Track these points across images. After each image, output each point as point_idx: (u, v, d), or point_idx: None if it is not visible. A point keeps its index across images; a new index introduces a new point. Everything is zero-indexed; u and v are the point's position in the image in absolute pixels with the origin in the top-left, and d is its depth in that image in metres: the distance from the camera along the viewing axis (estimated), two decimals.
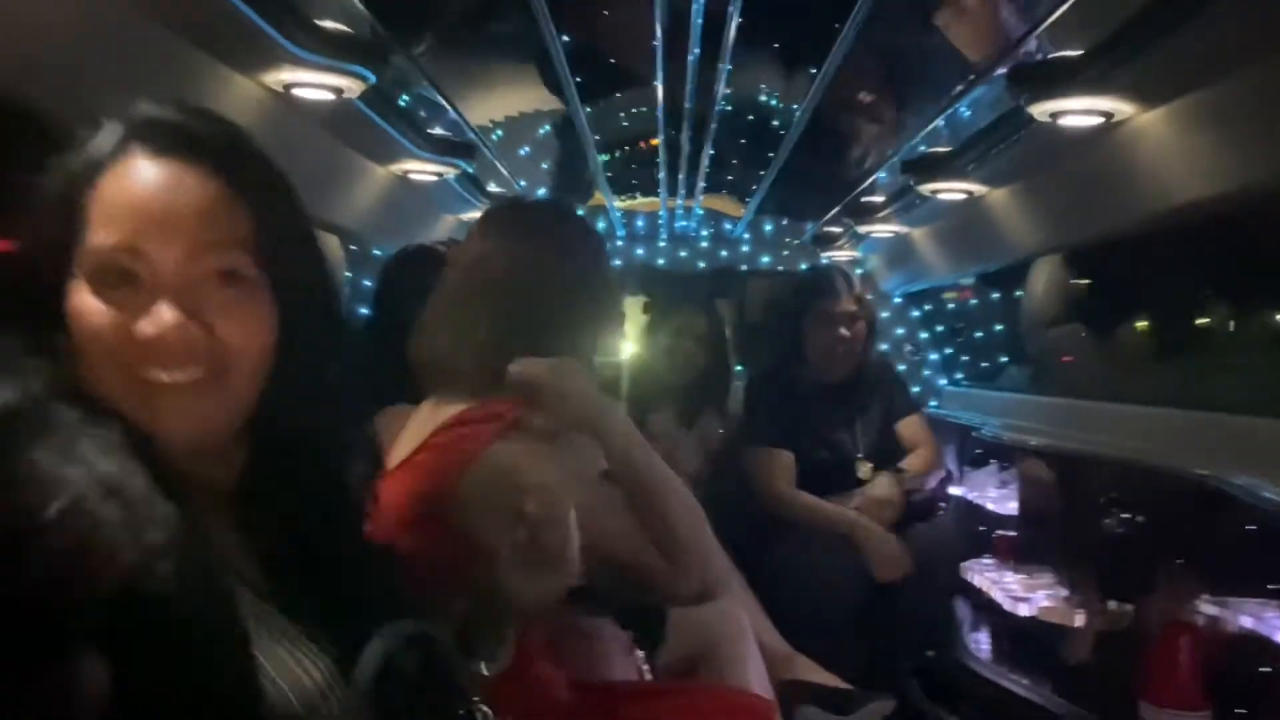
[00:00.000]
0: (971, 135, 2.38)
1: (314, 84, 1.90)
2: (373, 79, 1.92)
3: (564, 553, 1.23)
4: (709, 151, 2.86)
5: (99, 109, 1.64)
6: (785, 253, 4.38)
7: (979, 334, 4.28)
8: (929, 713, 2.86)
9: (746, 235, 4.39)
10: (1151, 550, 2.42)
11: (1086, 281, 3.23)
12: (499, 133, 2.95)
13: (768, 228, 4.39)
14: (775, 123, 2.88)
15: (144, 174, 0.90)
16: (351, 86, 1.93)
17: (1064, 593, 2.74)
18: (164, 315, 0.88)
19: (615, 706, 1.66)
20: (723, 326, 3.53)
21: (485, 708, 1.10)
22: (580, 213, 2.75)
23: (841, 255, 4.26)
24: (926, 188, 2.67)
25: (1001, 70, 1.87)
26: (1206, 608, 2.23)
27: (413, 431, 1.57)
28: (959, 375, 4.31)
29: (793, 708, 2.50)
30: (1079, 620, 2.59)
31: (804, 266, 4.33)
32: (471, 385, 1.57)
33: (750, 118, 2.67)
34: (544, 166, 3.92)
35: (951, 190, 2.66)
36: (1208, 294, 2.90)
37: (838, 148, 3.04)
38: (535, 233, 1.67)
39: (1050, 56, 1.77)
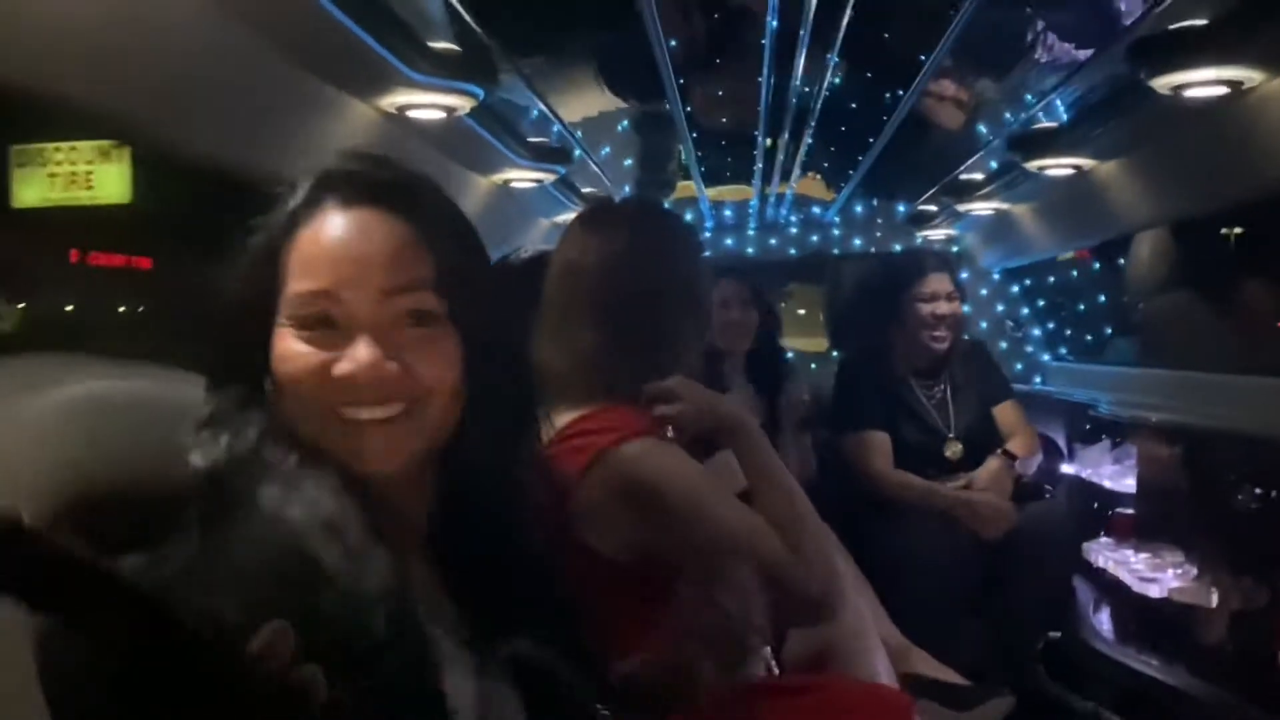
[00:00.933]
0: (1082, 110, 2.32)
1: (428, 104, 1.93)
2: (483, 96, 1.95)
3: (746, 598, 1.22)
4: (808, 140, 2.84)
5: (218, 138, 1.72)
6: (878, 234, 4.32)
7: (1082, 307, 4.18)
8: (1057, 696, 2.82)
9: (837, 219, 4.34)
10: None
11: (1238, 230, 3.01)
12: (578, 134, 2.98)
13: (859, 209, 4.33)
14: (872, 105, 2.85)
15: (336, 223, 0.96)
16: (462, 104, 1.96)
17: (1194, 572, 2.67)
18: (361, 354, 0.92)
19: (749, 704, 1.67)
20: (766, 298, 3.51)
21: (605, 710, 1.11)
22: (670, 209, 2.76)
23: (937, 234, 4.19)
24: (1034, 164, 2.62)
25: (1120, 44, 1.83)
26: None
27: None
28: (1063, 350, 4.22)
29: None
30: (1213, 600, 2.53)
31: (898, 248, 4.28)
32: (581, 394, 1.59)
33: (853, 104, 2.64)
34: (626, 164, 3.95)
35: (1060, 166, 2.60)
36: None
37: (937, 128, 3.00)
38: (629, 233, 1.67)
39: (1174, 27, 1.72)
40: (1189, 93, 1.83)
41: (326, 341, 0.93)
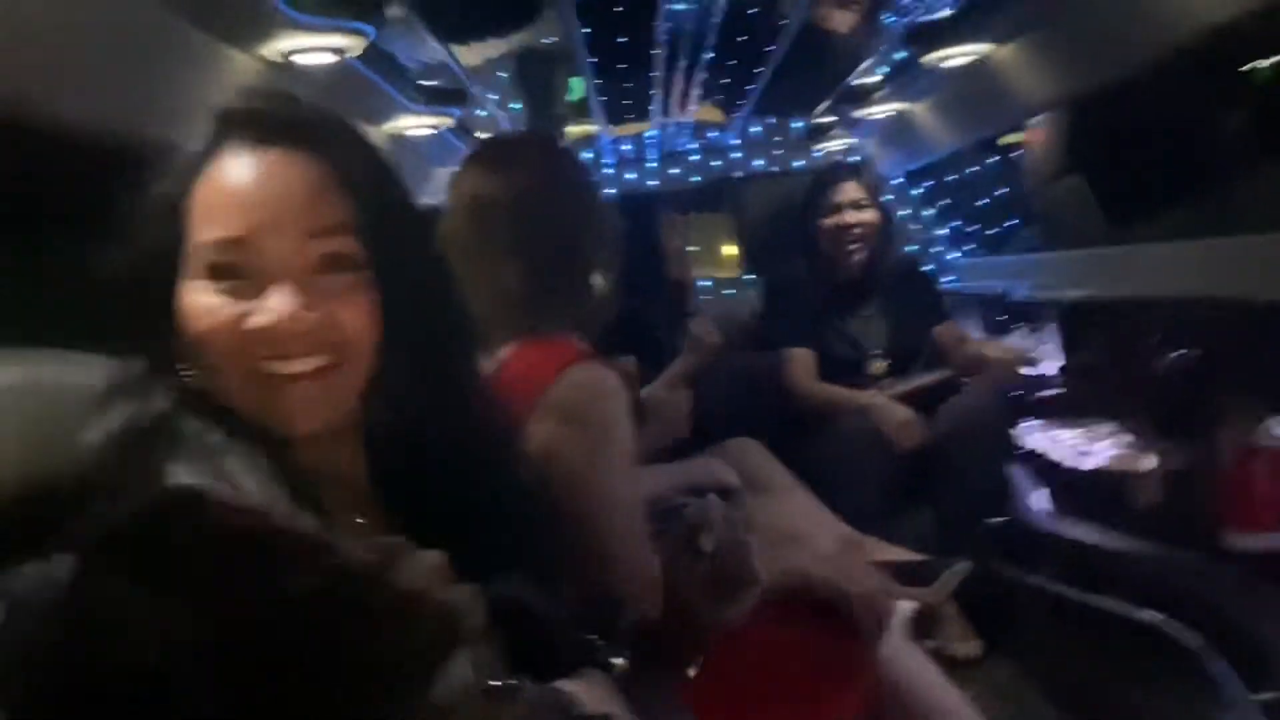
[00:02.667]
0: None
1: (315, 47, 1.82)
2: (373, 34, 1.85)
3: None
4: (708, 55, 2.79)
5: (89, 94, 1.58)
6: (777, 153, 4.31)
7: (984, 201, 4.24)
8: (1008, 576, 2.89)
9: (736, 141, 4.31)
10: (1211, 382, 2.43)
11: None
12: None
13: (757, 130, 4.30)
14: (763, 20, 2.80)
15: (243, 165, 0.89)
16: (352, 45, 1.86)
17: (1128, 438, 2.75)
18: (279, 304, 0.86)
19: (752, 646, 1.63)
20: None
21: (608, 650, 1.08)
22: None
23: (836, 145, 4.20)
24: (932, 57, 2.61)
25: None
26: (1278, 427, 2.24)
27: None
28: (970, 246, 4.28)
29: None
30: (1148, 464, 2.60)
31: (798, 164, 4.27)
32: (503, 334, 1.54)
33: (744, 20, 2.60)
34: (513, 108, 3.86)
35: (958, 55, 2.59)
36: (1218, 116, 2.84)
37: (828, 34, 2.97)
38: (539, 167, 1.64)
39: None
40: None
41: (241, 292, 0.87)
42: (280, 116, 0.91)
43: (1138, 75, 2.48)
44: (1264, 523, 2.21)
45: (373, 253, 0.91)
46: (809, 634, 1.73)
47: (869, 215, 3.27)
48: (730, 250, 4.51)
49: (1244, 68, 2.52)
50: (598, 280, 1.61)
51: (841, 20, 2.83)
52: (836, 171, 3.35)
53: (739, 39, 2.77)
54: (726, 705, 1.47)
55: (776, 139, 4.31)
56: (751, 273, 4.28)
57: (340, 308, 0.89)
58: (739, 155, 4.33)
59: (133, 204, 0.92)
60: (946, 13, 2.48)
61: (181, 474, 0.83)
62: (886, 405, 3.11)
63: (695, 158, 4.34)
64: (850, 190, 3.27)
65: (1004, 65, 2.67)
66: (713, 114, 4.23)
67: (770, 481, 2.83)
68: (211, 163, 0.90)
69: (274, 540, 0.70)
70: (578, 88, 3.95)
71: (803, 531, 2.41)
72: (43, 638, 0.72)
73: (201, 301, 0.87)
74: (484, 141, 2.62)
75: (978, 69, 2.71)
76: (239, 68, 1.84)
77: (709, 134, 4.32)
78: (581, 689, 0.96)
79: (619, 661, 1.04)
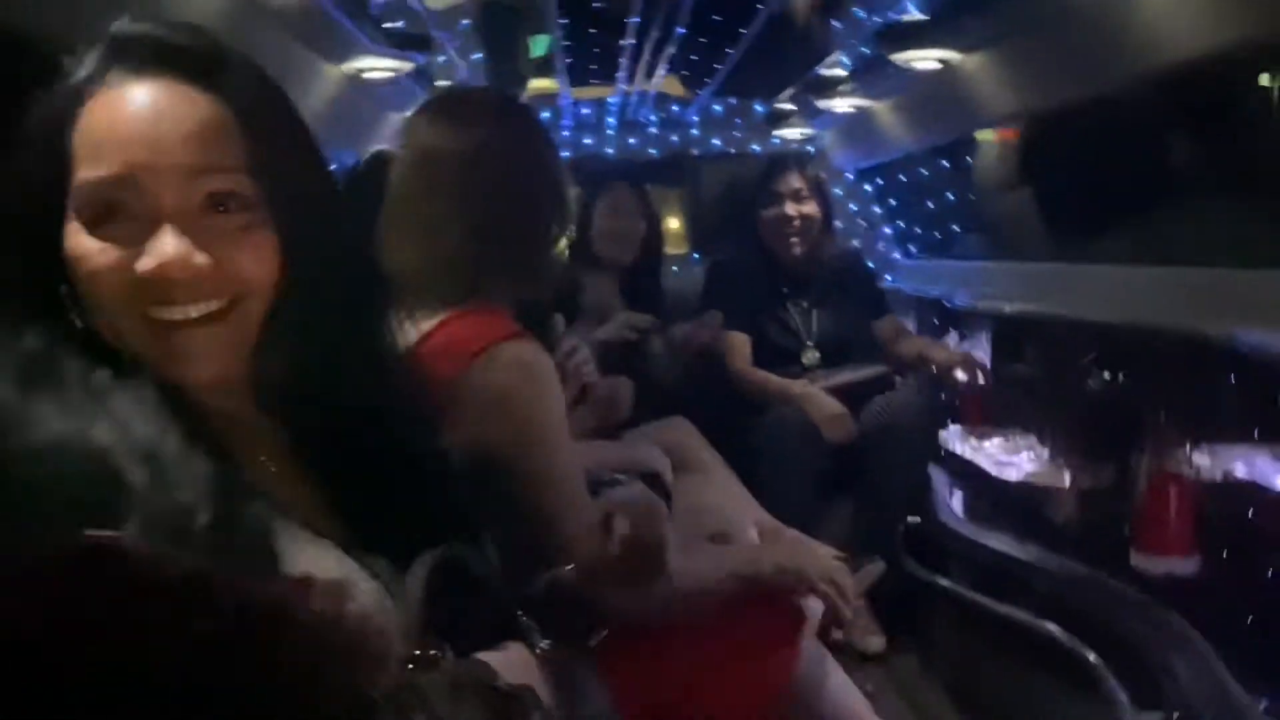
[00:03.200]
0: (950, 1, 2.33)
1: None
2: None
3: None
4: (679, 31, 2.76)
5: (59, 20, 1.49)
6: (736, 134, 4.30)
7: (931, 205, 4.28)
8: (919, 577, 2.95)
9: (695, 118, 4.29)
10: (1136, 407, 2.49)
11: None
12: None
13: (717, 109, 4.29)
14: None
15: (128, 97, 0.83)
16: None
17: (1046, 454, 2.82)
18: (166, 247, 0.82)
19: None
20: (653, 203, 3.43)
21: (528, 619, 1.08)
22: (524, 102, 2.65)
23: (794, 133, 4.20)
24: (900, 57, 2.61)
25: None
26: (1196, 458, 2.31)
27: None
28: (913, 248, 4.33)
29: None
30: (1066, 480, 2.67)
31: (755, 148, 4.27)
32: (446, 295, 1.50)
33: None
34: (474, 58, 3.78)
35: (926, 58, 2.60)
36: (1172, 149, 2.90)
37: (801, 22, 2.96)
38: (494, 123, 1.58)
39: None
40: None
41: (125, 235, 0.83)
42: (165, 44, 0.86)
43: (1100, 98, 2.52)
44: (1170, 548, 2.28)
45: (268, 192, 0.86)
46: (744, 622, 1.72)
47: (809, 208, 3.29)
48: (679, 227, 4.50)
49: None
50: (555, 255, 1.57)
51: (815, 11, 2.82)
52: (781, 161, 3.36)
53: (714, 16, 2.74)
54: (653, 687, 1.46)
55: (737, 120, 4.30)
56: (698, 252, 4.29)
57: (233, 249, 0.85)
58: (698, 132, 4.31)
59: (18, 129, 0.85)
60: (920, 16, 2.47)
61: (54, 417, 0.79)
62: (817, 396, 3.14)
63: (654, 130, 4.31)
64: (792, 180, 3.28)
65: (970, 74, 2.68)
66: (676, 88, 4.20)
67: (698, 462, 2.84)
68: (96, 92, 0.84)
69: (181, 584, 0.68)
70: (540, 45, 3.88)
71: (726, 516, 2.42)
72: None
73: (84, 244, 0.83)
74: (444, 91, 2.55)
75: (944, 74, 2.72)
76: None
77: (671, 107, 4.29)
78: (501, 661, 0.95)
79: (543, 642, 1.02)
